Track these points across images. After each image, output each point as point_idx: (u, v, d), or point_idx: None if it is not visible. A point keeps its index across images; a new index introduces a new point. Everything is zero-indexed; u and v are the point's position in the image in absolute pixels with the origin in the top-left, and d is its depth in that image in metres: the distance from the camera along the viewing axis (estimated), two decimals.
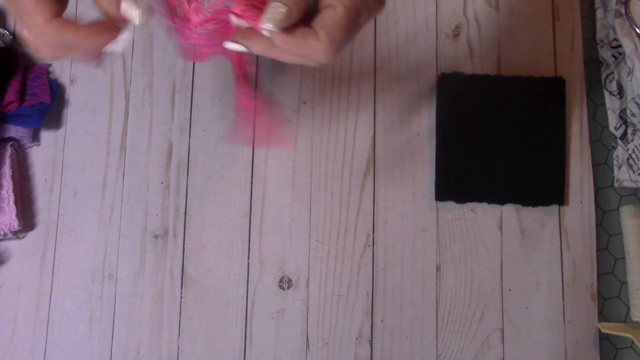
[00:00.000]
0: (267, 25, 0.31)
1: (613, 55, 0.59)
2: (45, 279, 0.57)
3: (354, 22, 0.33)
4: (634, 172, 0.56)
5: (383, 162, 0.59)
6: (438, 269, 0.57)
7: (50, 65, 0.61)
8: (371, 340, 0.56)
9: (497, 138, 0.58)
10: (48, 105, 0.58)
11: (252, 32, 0.34)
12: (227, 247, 0.58)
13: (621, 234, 0.58)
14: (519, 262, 0.57)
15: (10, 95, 0.56)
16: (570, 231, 0.57)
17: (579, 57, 0.60)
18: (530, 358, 0.56)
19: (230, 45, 0.34)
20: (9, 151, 0.57)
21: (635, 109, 0.56)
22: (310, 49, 0.32)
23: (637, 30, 0.57)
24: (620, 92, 0.58)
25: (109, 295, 0.57)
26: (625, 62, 0.57)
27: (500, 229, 0.58)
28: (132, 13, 0.34)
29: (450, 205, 0.58)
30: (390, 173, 0.59)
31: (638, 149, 0.55)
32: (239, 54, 0.39)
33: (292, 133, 0.59)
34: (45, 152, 0.60)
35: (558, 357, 0.56)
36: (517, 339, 0.56)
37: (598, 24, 0.61)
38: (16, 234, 0.58)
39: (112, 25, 0.35)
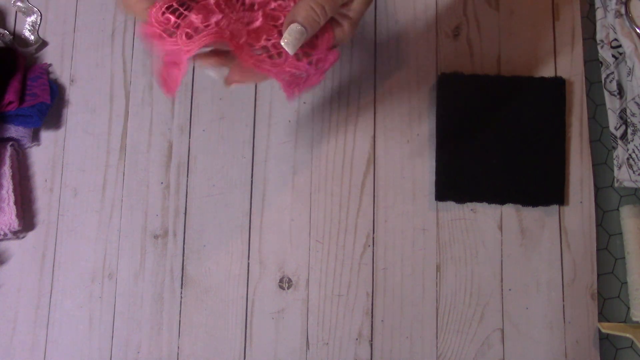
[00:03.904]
0: (285, 45, 0.36)
1: (613, 55, 0.59)
2: (45, 279, 0.57)
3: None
4: (634, 172, 0.56)
5: (383, 162, 0.59)
6: (438, 269, 0.57)
7: (50, 65, 0.61)
8: (371, 340, 0.56)
9: (497, 138, 0.58)
10: (48, 105, 0.58)
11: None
12: (227, 247, 0.58)
13: (621, 234, 0.58)
14: (519, 262, 0.57)
15: (10, 95, 0.56)
16: (570, 231, 0.57)
17: (579, 57, 0.60)
18: (530, 358, 0.56)
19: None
20: (9, 151, 0.57)
21: (635, 109, 0.56)
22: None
23: (637, 30, 0.57)
24: (620, 92, 0.58)
25: (109, 295, 0.57)
26: (625, 62, 0.57)
27: (500, 229, 0.58)
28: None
29: (450, 205, 0.58)
30: (390, 173, 0.59)
31: (638, 149, 0.55)
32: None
33: (292, 133, 0.59)
34: (45, 152, 0.60)
35: (558, 357, 0.56)
36: (517, 339, 0.56)
37: (598, 24, 0.61)
38: (16, 234, 0.58)
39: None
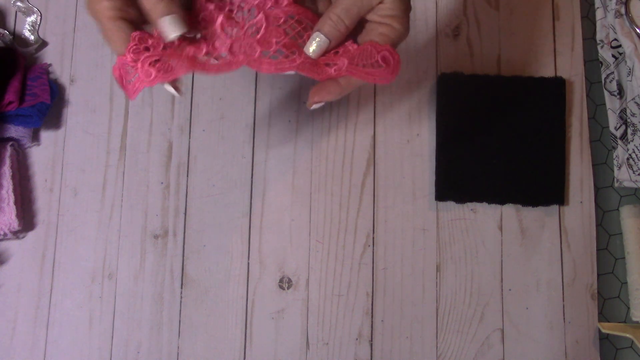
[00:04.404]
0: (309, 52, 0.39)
1: (613, 55, 0.59)
2: (45, 279, 0.57)
3: None
4: (634, 172, 0.56)
5: (383, 162, 0.59)
6: (438, 269, 0.57)
7: (50, 65, 0.61)
8: (371, 340, 0.56)
9: (497, 138, 0.58)
10: (48, 105, 0.58)
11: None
12: (227, 247, 0.58)
13: (621, 234, 0.58)
14: (519, 262, 0.57)
15: (10, 95, 0.56)
16: (570, 231, 0.57)
17: (579, 57, 0.60)
18: (530, 358, 0.56)
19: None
20: (9, 151, 0.57)
21: (635, 109, 0.56)
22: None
23: (637, 30, 0.57)
24: (620, 92, 0.58)
25: (109, 295, 0.57)
26: (625, 62, 0.57)
27: (500, 229, 0.58)
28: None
29: (450, 205, 0.58)
30: (390, 173, 0.59)
31: (638, 149, 0.55)
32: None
33: (292, 133, 0.59)
34: (45, 152, 0.60)
35: (558, 357, 0.56)
36: (517, 339, 0.56)
37: (598, 24, 0.61)
38: (16, 234, 0.58)
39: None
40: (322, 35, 0.39)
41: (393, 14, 0.39)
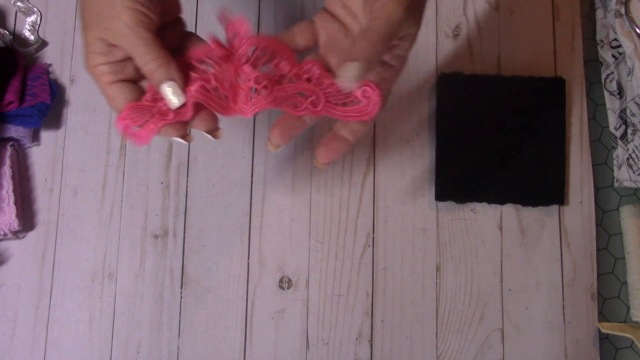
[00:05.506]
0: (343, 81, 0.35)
1: (613, 55, 0.59)
2: (45, 279, 0.57)
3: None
4: (634, 172, 0.56)
5: (383, 162, 0.59)
6: (438, 268, 0.57)
7: (50, 65, 0.61)
8: (371, 340, 0.56)
9: (497, 138, 0.58)
10: (48, 105, 0.58)
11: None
12: (227, 247, 0.58)
13: (621, 234, 0.58)
14: (519, 262, 0.57)
15: (10, 95, 0.56)
16: (570, 231, 0.57)
17: (579, 57, 0.60)
18: (530, 358, 0.56)
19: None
20: (9, 151, 0.57)
21: (635, 109, 0.56)
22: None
23: (637, 30, 0.57)
24: (620, 92, 0.58)
25: (109, 295, 0.57)
26: (625, 62, 0.57)
27: (500, 229, 0.58)
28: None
29: (450, 205, 0.58)
30: (390, 173, 0.59)
31: (638, 149, 0.55)
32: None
33: None
34: (45, 152, 0.60)
35: (558, 357, 0.56)
36: (517, 339, 0.56)
37: (598, 24, 0.61)
38: (16, 234, 0.58)
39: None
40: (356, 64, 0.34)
41: (403, 54, 0.36)
